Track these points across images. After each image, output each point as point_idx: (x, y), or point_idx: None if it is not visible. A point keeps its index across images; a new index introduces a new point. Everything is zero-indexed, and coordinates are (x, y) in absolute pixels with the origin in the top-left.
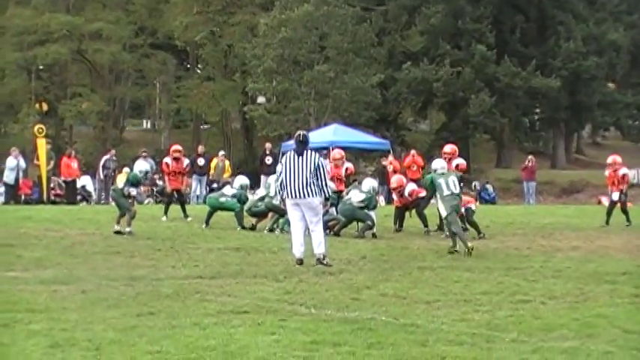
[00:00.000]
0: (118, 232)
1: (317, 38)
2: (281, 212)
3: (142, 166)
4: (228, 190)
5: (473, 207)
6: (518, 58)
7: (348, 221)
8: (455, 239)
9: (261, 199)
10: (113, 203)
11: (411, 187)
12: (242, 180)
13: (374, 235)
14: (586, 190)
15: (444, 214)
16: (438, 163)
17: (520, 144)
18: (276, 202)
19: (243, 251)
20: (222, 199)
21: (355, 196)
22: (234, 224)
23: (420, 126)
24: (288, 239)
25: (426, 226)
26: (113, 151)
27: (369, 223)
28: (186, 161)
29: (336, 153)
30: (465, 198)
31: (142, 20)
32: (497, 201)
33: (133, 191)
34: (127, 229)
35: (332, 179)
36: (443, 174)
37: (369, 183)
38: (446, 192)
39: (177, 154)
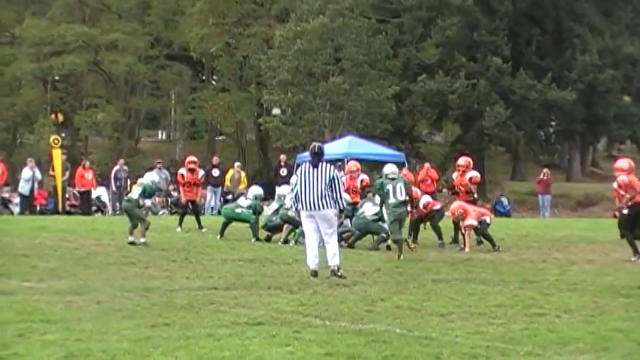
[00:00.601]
0: (132, 243)
1: (332, 50)
2: (296, 224)
3: (152, 177)
4: (243, 202)
5: (488, 220)
6: (533, 71)
7: (362, 234)
8: (400, 245)
9: (276, 212)
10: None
11: (425, 199)
12: (256, 190)
13: (388, 248)
14: (601, 203)
15: (387, 221)
16: (389, 168)
17: (535, 157)
18: (291, 213)
19: (258, 262)
20: (238, 210)
21: (369, 210)
22: (249, 235)
23: (435, 138)
24: (303, 251)
25: (440, 238)
26: (122, 161)
27: (384, 235)
28: (201, 172)
29: (352, 165)
30: (480, 210)
31: (157, 31)
32: (512, 214)
33: (148, 202)
34: (142, 240)
35: (347, 191)
36: (392, 179)
37: None
38: (392, 199)
39: (192, 165)
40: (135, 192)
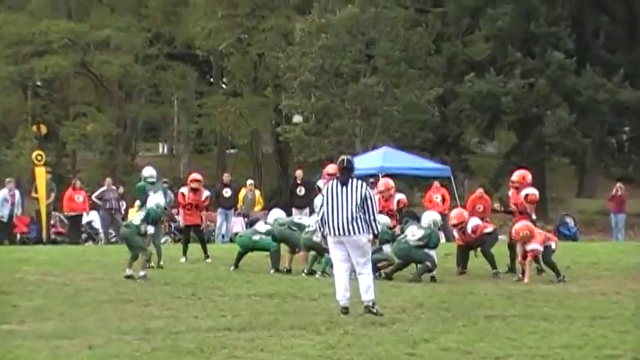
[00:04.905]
0: (129, 277)
1: (363, 46)
2: (321, 251)
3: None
4: (261, 227)
5: (553, 245)
6: (602, 67)
7: (404, 263)
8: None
9: (298, 226)
10: (124, 242)
11: (474, 222)
12: (278, 214)
13: (433, 279)
14: None
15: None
16: (148, 171)
17: (606, 169)
18: (316, 238)
19: (278, 298)
20: (256, 237)
21: (412, 234)
22: (267, 266)
23: (487, 148)
24: (331, 284)
25: (494, 267)
26: (109, 180)
27: (428, 264)
28: (205, 193)
29: (382, 184)
30: (544, 234)
31: (156, 26)
32: (579, 237)
33: (151, 229)
34: (141, 273)
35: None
36: (152, 183)
37: (430, 216)
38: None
39: (195, 185)
40: (136, 217)
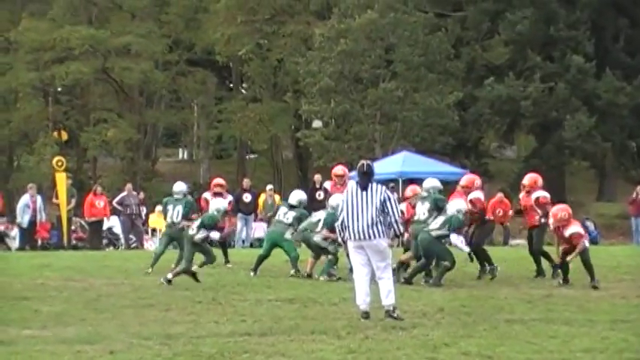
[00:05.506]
0: (169, 282)
1: (382, 51)
2: (311, 247)
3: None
4: (289, 215)
5: (587, 243)
6: (622, 71)
7: (427, 262)
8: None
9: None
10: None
11: (476, 194)
12: (300, 195)
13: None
14: None
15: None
16: (178, 187)
17: (626, 172)
18: (317, 238)
19: (299, 303)
20: (288, 236)
21: (434, 222)
22: (287, 270)
23: (506, 152)
24: (351, 288)
25: (490, 263)
26: (129, 186)
27: (447, 264)
28: (228, 197)
29: (409, 190)
30: (577, 226)
31: (177, 33)
32: (599, 241)
33: (216, 235)
34: (169, 276)
35: (408, 222)
36: (177, 200)
37: (457, 205)
38: (168, 220)
39: (218, 189)
40: (193, 226)
